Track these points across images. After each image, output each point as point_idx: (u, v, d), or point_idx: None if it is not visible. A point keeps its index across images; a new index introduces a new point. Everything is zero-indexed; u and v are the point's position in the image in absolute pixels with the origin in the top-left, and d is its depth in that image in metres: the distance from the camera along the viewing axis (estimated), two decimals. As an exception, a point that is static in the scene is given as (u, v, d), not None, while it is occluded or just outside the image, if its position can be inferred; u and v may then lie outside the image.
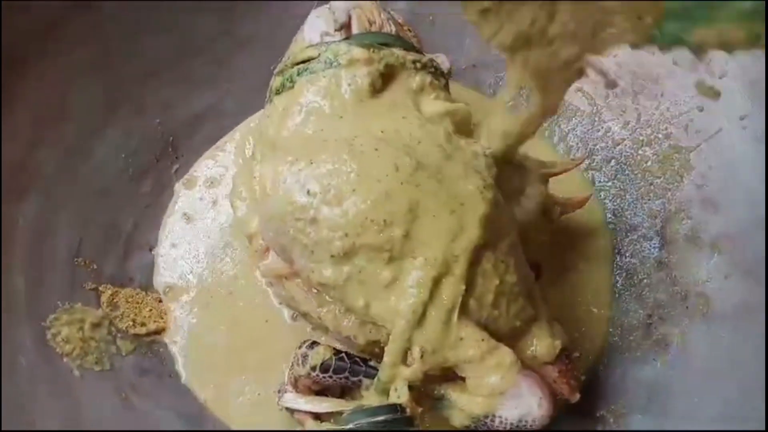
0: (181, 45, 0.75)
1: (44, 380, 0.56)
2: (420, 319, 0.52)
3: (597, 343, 0.67)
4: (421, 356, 0.52)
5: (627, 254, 0.71)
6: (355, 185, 0.53)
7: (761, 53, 0.64)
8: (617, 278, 0.70)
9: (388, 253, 0.52)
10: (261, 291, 0.68)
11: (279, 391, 0.62)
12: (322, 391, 0.62)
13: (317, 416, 0.61)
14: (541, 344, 0.56)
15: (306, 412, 0.61)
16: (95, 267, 0.66)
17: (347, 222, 0.52)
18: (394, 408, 0.51)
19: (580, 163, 0.68)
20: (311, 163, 0.55)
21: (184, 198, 0.73)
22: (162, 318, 0.66)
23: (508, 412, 0.52)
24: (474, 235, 0.52)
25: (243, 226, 0.64)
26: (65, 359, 0.58)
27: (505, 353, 0.52)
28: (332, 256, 0.53)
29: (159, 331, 0.66)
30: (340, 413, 0.58)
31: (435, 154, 0.57)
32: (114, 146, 0.70)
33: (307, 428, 0.61)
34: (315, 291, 0.60)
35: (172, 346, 0.66)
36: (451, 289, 0.52)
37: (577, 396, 0.58)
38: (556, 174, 0.67)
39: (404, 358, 0.53)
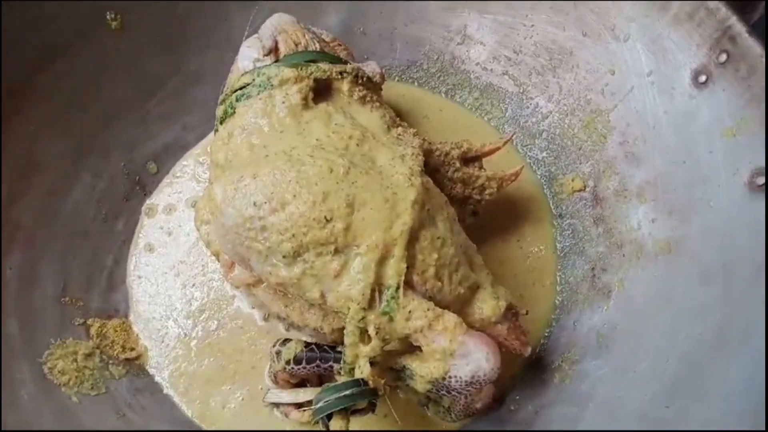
0: (136, 88, 0.81)
1: (47, 410, 0.61)
2: (370, 301, 0.57)
3: (548, 301, 0.72)
4: (376, 333, 0.57)
5: (567, 216, 0.76)
6: (295, 191, 0.58)
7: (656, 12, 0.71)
8: (560, 239, 0.76)
9: (333, 245, 0.58)
10: (229, 300, 0.74)
11: (262, 389, 0.68)
12: (301, 383, 0.67)
13: (299, 406, 0.67)
14: (486, 306, 0.62)
15: (288, 404, 0.67)
16: (82, 304, 0.71)
17: (292, 224, 0.58)
18: (357, 382, 0.56)
19: (509, 140, 0.73)
20: (255, 177, 0.60)
21: (147, 228, 0.79)
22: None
23: (461, 371, 0.57)
24: (408, 218, 0.58)
25: (209, 245, 0.70)
26: (63, 389, 0.64)
27: (450, 318, 0.58)
28: (284, 256, 0.58)
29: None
30: (317, 398, 0.64)
31: (368, 153, 0.63)
32: (85, 192, 0.76)
33: (291, 419, 0.66)
34: (280, 293, 0.66)
35: (154, 372, 0.71)
36: (394, 269, 0.57)
37: (529, 350, 0.63)
38: (487, 154, 0.73)
39: (362, 338, 0.58)
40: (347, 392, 0.56)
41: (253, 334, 0.72)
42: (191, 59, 0.84)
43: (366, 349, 0.58)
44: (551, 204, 0.78)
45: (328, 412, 0.56)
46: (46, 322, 0.68)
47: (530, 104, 0.82)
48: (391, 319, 0.58)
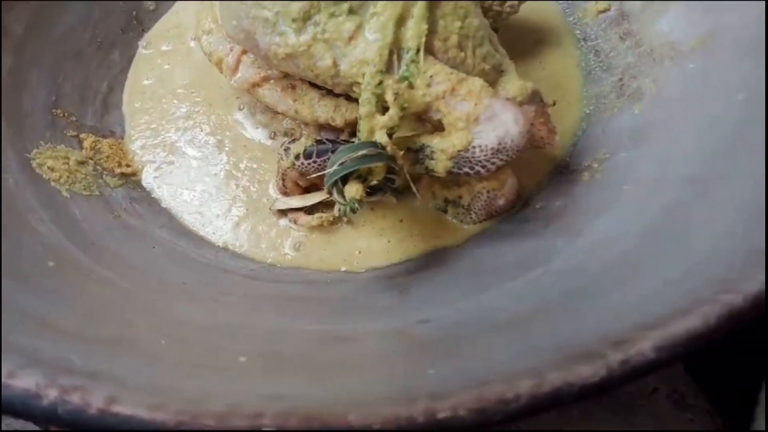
0: None
1: (33, 197, 0.56)
2: (388, 64, 0.53)
3: (574, 116, 0.68)
4: (395, 99, 0.53)
5: (592, 38, 0.72)
6: (304, -54, 0.54)
7: None
8: (585, 59, 0.71)
9: (347, 3, 0.53)
10: (233, 125, 0.69)
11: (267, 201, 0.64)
12: (310, 188, 0.63)
13: (309, 211, 0.62)
14: (512, 86, 0.57)
15: (297, 210, 0.62)
16: (75, 119, 0.67)
17: (303, -19, 0.53)
18: (374, 143, 0.52)
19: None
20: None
21: (144, 59, 0.75)
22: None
23: (486, 138, 0.53)
24: (428, -22, 0.54)
25: (212, 56, 0.66)
26: (52, 183, 0.59)
27: (475, 81, 0.53)
28: (294, 20, 0.54)
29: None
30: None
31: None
32: (79, 17, 0.72)
33: (300, 224, 0.62)
34: (289, 88, 0.61)
35: (151, 188, 0.66)
36: (415, 30, 0.53)
37: (557, 138, 0.59)
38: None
39: (379, 108, 0.53)
40: (363, 151, 0.51)
41: (258, 154, 0.67)
42: None
43: (383, 119, 0.53)
44: (575, 30, 0.74)
45: (342, 174, 0.51)
46: (36, 126, 0.63)
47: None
48: (410, 85, 0.53)
